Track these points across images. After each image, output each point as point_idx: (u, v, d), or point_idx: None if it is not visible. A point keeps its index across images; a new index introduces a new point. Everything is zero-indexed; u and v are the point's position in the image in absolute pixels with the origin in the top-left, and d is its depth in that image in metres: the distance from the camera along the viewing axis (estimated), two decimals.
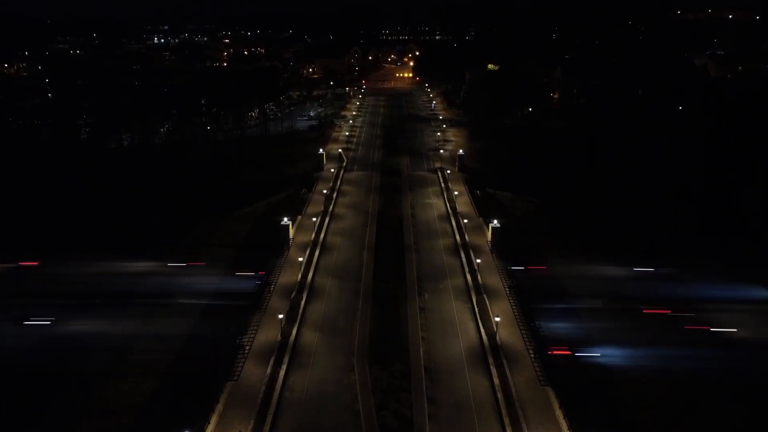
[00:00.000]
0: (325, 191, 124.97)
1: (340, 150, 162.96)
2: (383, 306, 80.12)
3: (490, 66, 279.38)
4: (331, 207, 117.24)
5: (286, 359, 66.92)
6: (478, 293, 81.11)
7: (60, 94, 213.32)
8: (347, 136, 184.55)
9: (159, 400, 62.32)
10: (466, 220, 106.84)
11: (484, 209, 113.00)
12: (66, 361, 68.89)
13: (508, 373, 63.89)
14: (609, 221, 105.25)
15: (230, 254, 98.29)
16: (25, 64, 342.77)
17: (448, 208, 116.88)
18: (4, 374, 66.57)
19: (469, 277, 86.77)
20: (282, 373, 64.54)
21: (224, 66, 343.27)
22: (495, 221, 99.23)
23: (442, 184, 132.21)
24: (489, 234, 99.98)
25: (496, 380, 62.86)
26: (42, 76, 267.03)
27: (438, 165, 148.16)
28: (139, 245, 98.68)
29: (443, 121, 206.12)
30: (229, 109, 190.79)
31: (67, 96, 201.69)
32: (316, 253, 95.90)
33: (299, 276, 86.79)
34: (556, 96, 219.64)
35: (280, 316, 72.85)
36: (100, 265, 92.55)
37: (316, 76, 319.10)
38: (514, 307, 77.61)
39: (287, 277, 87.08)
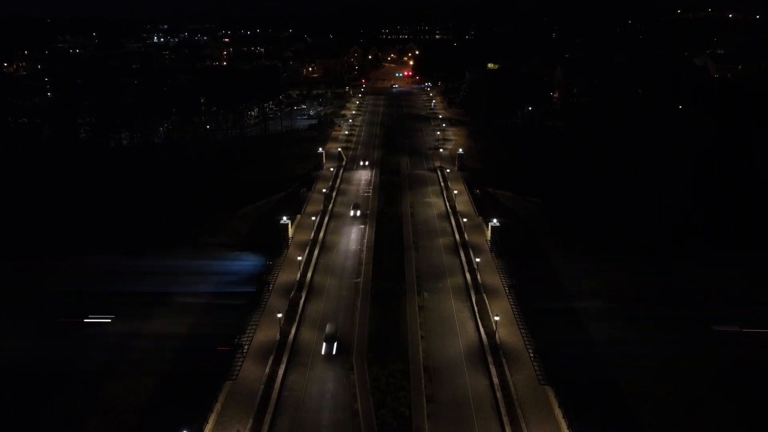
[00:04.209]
0: (324, 190, 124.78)
1: (339, 149, 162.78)
2: (382, 305, 79.94)
3: (489, 65, 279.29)
4: (330, 206, 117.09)
5: (284, 358, 66.79)
6: (478, 292, 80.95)
7: (60, 93, 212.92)
8: (347, 135, 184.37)
9: (159, 399, 62.16)
10: (465, 219, 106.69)
11: (484, 208, 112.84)
12: (68, 359, 68.80)
13: (507, 372, 63.78)
14: (611, 221, 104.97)
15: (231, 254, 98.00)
16: (24, 63, 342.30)
17: (448, 207, 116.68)
18: (6, 373, 66.46)
19: (468, 276, 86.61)
20: (281, 372, 64.41)
21: (224, 65, 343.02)
22: (494, 220, 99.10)
23: (442, 183, 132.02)
24: (488, 233, 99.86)
25: (495, 379, 62.70)
26: (42, 75, 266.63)
27: (438, 164, 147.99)
28: (142, 244, 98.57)
29: (443, 120, 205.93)
30: (228, 108, 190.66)
31: (67, 95, 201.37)
32: (316, 252, 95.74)
33: (298, 275, 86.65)
34: (556, 95, 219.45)
35: (279, 315, 72.72)
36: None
37: (315, 76, 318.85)
38: (513, 306, 77.47)
39: (286, 276, 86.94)
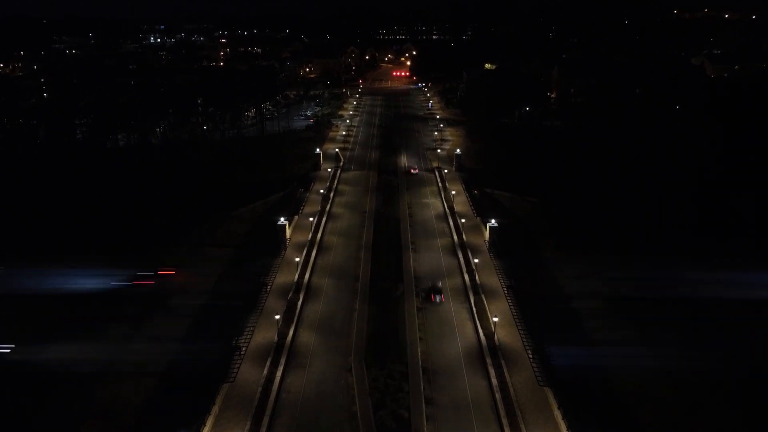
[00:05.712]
0: (322, 191, 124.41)
1: (337, 149, 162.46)
2: (380, 306, 79.67)
3: (487, 65, 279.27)
4: (328, 206, 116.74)
5: (282, 360, 66.41)
6: (476, 293, 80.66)
7: (57, 93, 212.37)
8: (344, 135, 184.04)
9: (157, 401, 61.70)
10: (463, 220, 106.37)
11: (482, 209, 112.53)
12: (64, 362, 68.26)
13: (506, 374, 63.46)
14: (610, 221, 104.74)
15: (228, 254, 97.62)
16: (20, 64, 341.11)
17: (446, 207, 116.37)
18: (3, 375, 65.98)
19: (466, 277, 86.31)
20: (279, 374, 64.02)
21: (221, 65, 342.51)
22: (493, 221, 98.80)
23: (440, 184, 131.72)
24: (487, 233, 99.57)
25: (494, 380, 62.39)
26: (39, 75, 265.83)
27: (436, 164, 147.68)
28: (139, 246, 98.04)
29: (441, 120, 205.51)
30: (225, 109, 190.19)
31: (64, 96, 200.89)
32: (313, 253, 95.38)
33: (296, 276, 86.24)
34: (553, 95, 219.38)
35: (277, 316, 72.33)
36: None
37: (313, 76, 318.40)
38: (512, 307, 77.16)
39: (284, 277, 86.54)
